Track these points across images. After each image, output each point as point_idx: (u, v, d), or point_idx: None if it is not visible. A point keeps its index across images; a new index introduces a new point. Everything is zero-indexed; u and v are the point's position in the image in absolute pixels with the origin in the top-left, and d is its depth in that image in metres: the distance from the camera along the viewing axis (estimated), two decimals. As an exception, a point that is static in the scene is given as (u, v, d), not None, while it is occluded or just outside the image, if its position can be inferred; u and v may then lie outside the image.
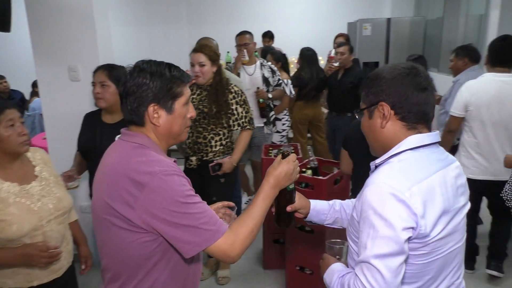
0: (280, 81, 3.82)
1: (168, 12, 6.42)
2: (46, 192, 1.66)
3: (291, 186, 1.37)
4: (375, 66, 5.75)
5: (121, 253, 1.18)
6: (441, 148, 1.19)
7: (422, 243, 1.03)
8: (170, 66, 1.24)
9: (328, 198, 1.62)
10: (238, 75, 3.63)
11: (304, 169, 2.73)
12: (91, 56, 2.87)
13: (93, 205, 1.25)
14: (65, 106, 2.95)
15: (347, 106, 4.11)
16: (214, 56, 2.65)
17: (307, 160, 2.81)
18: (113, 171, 1.16)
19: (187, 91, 1.26)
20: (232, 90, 2.67)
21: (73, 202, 1.83)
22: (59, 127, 2.98)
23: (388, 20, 5.86)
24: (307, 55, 4.53)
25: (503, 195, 2.37)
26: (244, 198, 4.10)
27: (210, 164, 2.65)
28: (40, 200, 1.62)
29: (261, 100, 3.66)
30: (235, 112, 2.66)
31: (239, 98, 2.68)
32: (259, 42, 6.18)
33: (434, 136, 1.14)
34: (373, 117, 1.16)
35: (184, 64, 2.05)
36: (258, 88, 3.63)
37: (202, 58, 2.59)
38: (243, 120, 2.69)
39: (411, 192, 1.01)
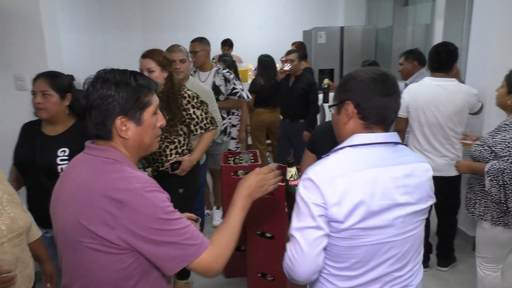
0: (236, 90, 3.73)
1: (123, 18, 6.29)
2: None
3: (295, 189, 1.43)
4: (330, 73, 5.92)
5: (98, 277, 1.11)
6: (400, 148, 1.26)
7: (339, 228, 1.15)
8: (135, 74, 1.18)
9: (286, 204, 1.63)
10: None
11: (263, 176, 2.75)
12: (39, 64, 2.74)
13: (59, 227, 1.16)
14: (12, 117, 2.79)
15: (300, 113, 4.17)
16: (164, 62, 2.50)
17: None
18: (87, 189, 1.08)
19: (155, 100, 1.20)
20: (185, 95, 2.57)
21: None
22: (6, 139, 2.81)
23: (342, 28, 6.06)
24: (264, 62, 4.60)
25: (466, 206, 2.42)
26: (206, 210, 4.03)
27: (169, 162, 2.57)
28: None
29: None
30: (193, 116, 2.57)
31: (194, 101, 2.59)
32: (218, 50, 6.19)
33: (385, 136, 1.22)
34: (340, 113, 1.27)
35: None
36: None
37: (151, 64, 2.45)
38: (204, 122, 2.62)
39: (330, 181, 1.13)
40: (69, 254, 1.15)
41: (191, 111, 2.58)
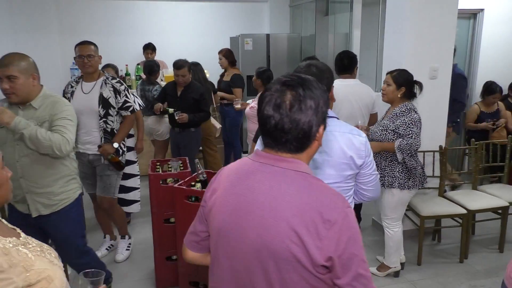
0: (128, 104, 3.10)
1: (35, 19, 5.85)
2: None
3: None
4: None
5: None
6: None
7: None
8: None
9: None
10: (72, 93, 3.04)
11: (193, 183, 2.70)
12: None
13: (255, 242, 1.06)
14: None
15: (190, 122, 3.99)
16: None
17: (195, 173, 2.78)
18: (296, 204, 1.04)
19: None
20: None
21: None
22: None
23: (267, 35, 6.19)
24: (193, 70, 4.55)
25: None
26: (107, 242, 3.52)
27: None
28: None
29: (108, 157, 3.01)
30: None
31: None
32: (140, 55, 5.99)
33: None
34: None
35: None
36: (99, 146, 3.00)
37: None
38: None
39: None
40: (262, 273, 1.07)
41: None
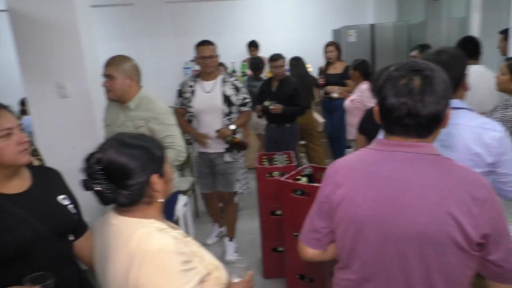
0: (247, 100, 3.19)
1: (153, 25, 6.44)
2: None
3: None
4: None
5: (458, 280, 1.08)
6: None
7: None
8: None
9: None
10: (193, 92, 3.11)
11: (298, 177, 2.73)
12: (78, 72, 2.84)
13: (414, 225, 1.06)
14: (56, 123, 2.91)
15: (286, 117, 3.99)
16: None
17: (301, 167, 2.82)
18: (443, 186, 1.04)
19: None
20: None
21: None
22: (50, 144, 2.93)
23: (372, 26, 5.95)
24: (294, 65, 4.59)
25: None
26: (216, 230, 3.73)
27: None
28: None
29: (227, 138, 3.09)
30: None
31: None
32: (244, 52, 6.22)
33: None
34: None
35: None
36: (217, 130, 3.07)
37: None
38: None
39: None
40: (420, 258, 1.07)
41: None
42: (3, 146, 1.28)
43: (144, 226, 1.12)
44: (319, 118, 4.83)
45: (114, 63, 2.35)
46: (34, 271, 1.20)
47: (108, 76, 2.33)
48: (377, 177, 1.11)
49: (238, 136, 3.18)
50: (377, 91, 1.12)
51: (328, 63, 4.91)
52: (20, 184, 1.37)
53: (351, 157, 1.24)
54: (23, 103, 5.23)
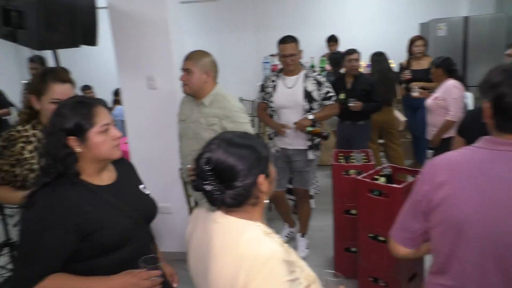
0: (330, 93, 3.10)
1: (235, 19, 6.58)
2: None
3: None
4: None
5: None
6: None
7: None
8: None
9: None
10: (275, 87, 3.13)
11: (376, 176, 2.65)
12: (167, 66, 3.03)
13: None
14: (144, 113, 3.14)
15: (360, 114, 3.89)
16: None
17: (380, 167, 2.72)
18: None
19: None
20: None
21: None
22: (139, 132, 3.17)
23: (465, 18, 5.50)
24: (376, 60, 4.42)
25: None
26: (285, 230, 3.68)
27: None
28: None
29: (307, 129, 3.01)
30: None
31: None
32: (323, 47, 6.12)
33: None
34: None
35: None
36: (295, 122, 3.02)
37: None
38: None
39: None
40: None
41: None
42: (101, 141, 1.35)
43: (252, 229, 1.10)
44: (400, 116, 4.61)
45: (193, 57, 2.40)
46: (131, 258, 1.31)
47: (186, 70, 2.39)
48: (489, 178, 1.06)
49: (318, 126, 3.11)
50: (491, 88, 1.08)
51: (411, 58, 4.66)
52: (109, 175, 1.47)
53: (453, 155, 1.19)
54: (116, 93, 5.67)
